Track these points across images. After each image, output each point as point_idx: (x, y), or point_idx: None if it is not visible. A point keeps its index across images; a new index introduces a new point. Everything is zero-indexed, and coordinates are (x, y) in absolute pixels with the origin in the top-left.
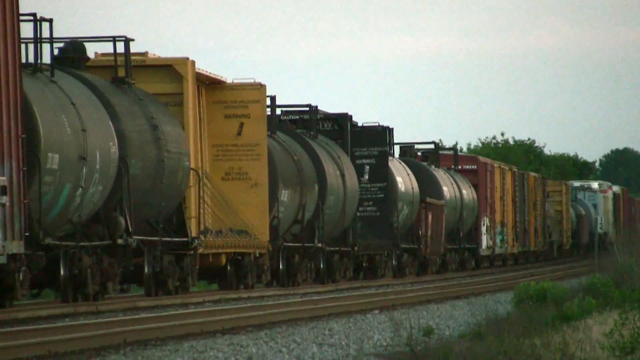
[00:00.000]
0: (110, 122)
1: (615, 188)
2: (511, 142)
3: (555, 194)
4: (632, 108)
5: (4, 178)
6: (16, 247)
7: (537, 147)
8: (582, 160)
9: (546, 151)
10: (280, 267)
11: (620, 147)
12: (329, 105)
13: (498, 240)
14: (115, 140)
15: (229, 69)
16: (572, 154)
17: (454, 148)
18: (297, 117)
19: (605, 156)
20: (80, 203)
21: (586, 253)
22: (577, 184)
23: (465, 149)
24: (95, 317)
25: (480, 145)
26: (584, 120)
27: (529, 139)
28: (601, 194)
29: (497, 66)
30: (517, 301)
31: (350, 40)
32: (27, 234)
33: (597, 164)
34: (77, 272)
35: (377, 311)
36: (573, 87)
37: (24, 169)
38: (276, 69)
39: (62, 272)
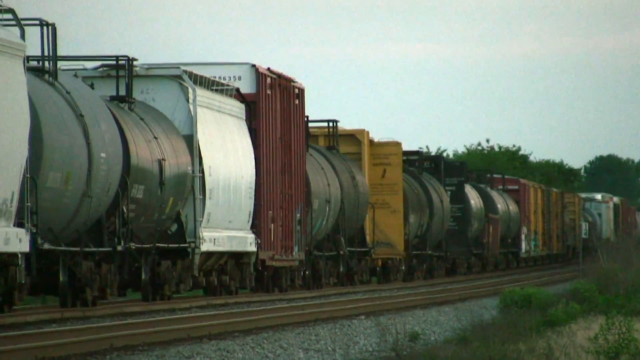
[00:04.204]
0: (336, 177)
1: (616, 199)
2: (496, 148)
3: (570, 205)
4: (616, 115)
5: (299, 215)
6: (302, 255)
7: (522, 154)
8: (567, 167)
9: (531, 158)
10: (403, 267)
11: (605, 154)
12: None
13: (532, 245)
14: (339, 188)
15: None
16: (557, 160)
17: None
18: (405, 157)
19: (590, 163)
20: (323, 228)
21: (594, 255)
22: (584, 195)
23: (451, 156)
24: (83, 323)
25: (465, 152)
26: (569, 127)
27: (514, 145)
28: (604, 204)
29: (482, 73)
30: (503, 306)
31: (340, 45)
32: (307, 248)
33: (582, 171)
34: (314, 271)
35: (363, 316)
36: (558, 94)
37: (306, 209)
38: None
39: (307, 272)
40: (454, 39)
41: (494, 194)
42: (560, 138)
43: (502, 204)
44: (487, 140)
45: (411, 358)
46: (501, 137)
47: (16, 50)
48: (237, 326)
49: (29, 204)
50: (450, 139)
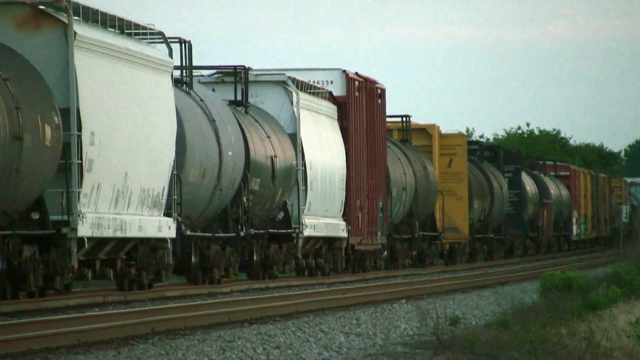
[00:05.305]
0: (410, 167)
1: None
2: (536, 132)
3: (616, 189)
4: None
5: (381, 203)
6: (383, 239)
7: (562, 137)
8: (607, 150)
9: (571, 142)
10: (467, 250)
11: None
12: None
13: (582, 228)
14: (413, 177)
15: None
16: (597, 144)
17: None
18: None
19: (630, 146)
20: (400, 213)
21: (635, 238)
22: (628, 180)
23: (491, 139)
24: (124, 307)
25: (505, 135)
26: (609, 110)
27: (554, 129)
28: None
29: (522, 56)
30: (543, 290)
31: (372, 28)
32: (388, 232)
33: (622, 154)
34: (392, 253)
35: (403, 301)
36: (598, 77)
37: (386, 197)
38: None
39: (385, 253)
40: (493, 22)
41: (547, 180)
42: (600, 121)
43: (555, 189)
44: (527, 124)
45: (452, 342)
46: (541, 121)
47: (166, 67)
48: (278, 310)
49: (175, 196)
50: (490, 122)
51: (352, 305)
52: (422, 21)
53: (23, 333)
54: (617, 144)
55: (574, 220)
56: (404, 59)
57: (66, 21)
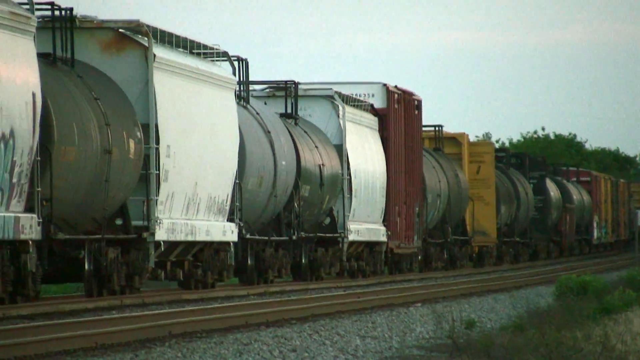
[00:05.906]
0: (444, 175)
1: None
2: (552, 136)
3: (635, 194)
4: None
5: (417, 208)
6: (419, 243)
7: (578, 141)
8: (623, 154)
9: (587, 146)
10: (495, 253)
11: None
12: None
13: (603, 232)
14: (447, 184)
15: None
16: (613, 148)
17: (543, 157)
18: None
19: None
20: (434, 219)
21: None
22: None
23: (507, 144)
24: (141, 310)
25: (521, 139)
26: (624, 114)
27: (570, 133)
28: None
29: (537, 61)
30: (558, 294)
31: (386, 33)
32: (423, 237)
33: (638, 159)
34: (426, 256)
35: (419, 304)
36: (613, 82)
37: (422, 203)
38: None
39: (419, 257)
40: (507, 27)
41: (570, 186)
42: (615, 126)
43: (577, 194)
44: (543, 128)
45: (467, 345)
46: (557, 125)
47: (230, 84)
48: (294, 314)
49: (237, 203)
50: (506, 127)
51: (368, 308)
52: (434, 27)
53: (40, 336)
54: (632, 148)
55: (595, 224)
56: (416, 64)
57: (146, 44)
